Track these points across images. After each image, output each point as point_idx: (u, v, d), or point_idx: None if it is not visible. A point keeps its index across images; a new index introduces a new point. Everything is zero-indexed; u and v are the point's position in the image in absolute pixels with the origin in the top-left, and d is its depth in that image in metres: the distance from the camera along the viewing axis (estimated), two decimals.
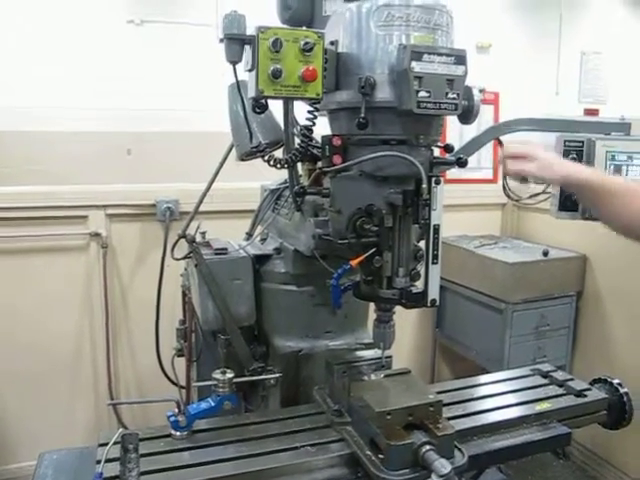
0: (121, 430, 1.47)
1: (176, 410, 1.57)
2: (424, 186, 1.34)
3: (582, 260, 3.59)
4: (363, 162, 1.38)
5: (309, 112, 1.30)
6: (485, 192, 4.02)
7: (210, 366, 2.04)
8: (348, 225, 1.42)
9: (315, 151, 1.50)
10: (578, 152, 1.85)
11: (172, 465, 1.43)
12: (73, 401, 3.33)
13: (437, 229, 1.38)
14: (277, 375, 1.83)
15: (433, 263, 1.40)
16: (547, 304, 3.48)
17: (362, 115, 1.32)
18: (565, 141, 1.87)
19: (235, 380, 1.65)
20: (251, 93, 1.21)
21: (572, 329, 3.63)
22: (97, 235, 3.23)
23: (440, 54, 1.28)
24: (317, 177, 1.52)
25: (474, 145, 1.95)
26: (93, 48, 3.88)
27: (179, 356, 2.63)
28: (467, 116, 1.39)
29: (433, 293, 1.42)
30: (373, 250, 1.42)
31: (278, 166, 1.32)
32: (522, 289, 3.37)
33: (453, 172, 3.99)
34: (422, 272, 1.46)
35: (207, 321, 1.95)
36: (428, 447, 1.36)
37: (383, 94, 1.33)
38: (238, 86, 1.23)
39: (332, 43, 1.39)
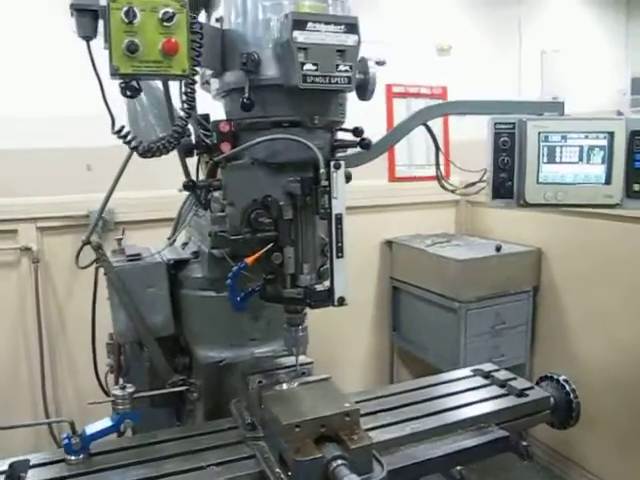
0: None
1: (71, 432, 1.42)
2: (322, 171, 1.21)
3: (537, 254, 3.50)
4: (255, 149, 1.25)
5: (184, 94, 1.16)
6: (437, 189, 3.91)
7: (140, 380, 1.91)
8: (243, 219, 1.28)
9: (209, 140, 1.36)
10: (509, 134, 1.74)
11: None
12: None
13: (340, 219, 1.25)
14: (182, 388, 1.69)
15: (338, 257, 1.26)
16: (502, 301, 3.38)
17: (246, 95, 1.19)
18: (495, 123, 1.75)
19: (136, 395, 1.50)
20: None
21: (530, 325, 3.53)
22: (28, 249, 3.06)
23: (327, 22, 1.16)
24: (213, 169, 1.38)
25: (401, 130, 1.83)
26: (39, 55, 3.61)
27: (112, 372, 2.48)
28: (362, 91, 1.26)
29: (340, 290, 1.29)
30: (270, 246, 1.28)
31: (149, 155, 1.18)
32: (475, 287, 3.27)
33: (403, 170, 3.94)
34: None
35: (121, 333, 1.81)
36: (340, 462, 1.24)
37: (269, 71, 1.21)
38: (94, 65, 1.08)
39: (218, 20, 1.27)
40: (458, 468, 2.99)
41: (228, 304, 1.74)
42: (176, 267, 1.82)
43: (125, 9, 1.02)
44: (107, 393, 2.77)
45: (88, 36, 1.07)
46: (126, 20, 1.02)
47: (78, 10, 1.04)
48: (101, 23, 1.06)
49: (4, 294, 3.09)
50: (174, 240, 2.08)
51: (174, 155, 1.45)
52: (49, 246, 3.15)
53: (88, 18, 1.05)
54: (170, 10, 1.05)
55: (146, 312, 1.76)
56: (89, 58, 1.08)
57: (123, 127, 1.15)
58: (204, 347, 1.77)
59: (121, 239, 2.06)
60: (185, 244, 2.01)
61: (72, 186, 3.11)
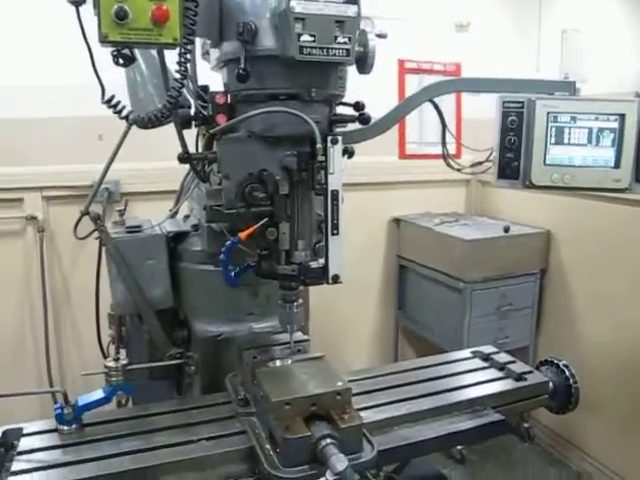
0: None
1: (64, 402, 1.43)
2: (318, 146, 1.19)
3: (546, 236, 3.45)
4: (251, 121, 1.23)
5: (177, 63, 1.14)
6: (449, 168, 3.87)
7: (139, 352, 1.91)
8: (237, 193, 1.26)
9: (206, 112, 1.33)
10: (518, 113, 1.69)
11: (47, 463, 1.30)
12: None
13: (336, 195, 1.22)
14: (178, 361, 1.69)
15: (333, 234, 1.24)
16: (509, 282, 3.35)
17: (242, 66, 1.16)
18: (504, 102, 1.71)
19: (130, 367, 1.50)
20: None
21: (536, 308, 3.50)
22: (33, 219, 3.07)
23: None
24: (209, 141, 1.36)
25: (407, 107, 1.78)
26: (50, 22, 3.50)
27: (113, 343, 2.49)
28: (362, 64, 1.23)
29: (335, 268, 1.26)
30: (264, 221, 1.26)
31: (140, 125, 1.16)
32: (481, 267, 3.24)
33: (414, 147, 3.89)
34: None
35: (119, 304, 1.82)
36: (329, 440, 1.23)
37: (266, 42, 1.18)
38: (83, 32, 1.06)
39: None
40: (459, 448, 3.01)
41: None
42: (176, 240, 1.81)
43: None
44: None
45: (77, 1, 1.04)
46: None
47: None
48: None
49: (10, 262, 3.11)
50: (176, 212, 2.06)
51: None
52: (55, 216, 3.15)
53: None
54: None
55: (145, 284, 1.76)
56: (78, 24, 1.05)
57: (113, 97, 1.12)
58: (202, 321, 1.76)
59: (122, 210, 2.04)
60: (187, 216, 1.99)
61: (83, 156, 3.08)
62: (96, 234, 1.84)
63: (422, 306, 3.74)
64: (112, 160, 1.81)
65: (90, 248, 3.21)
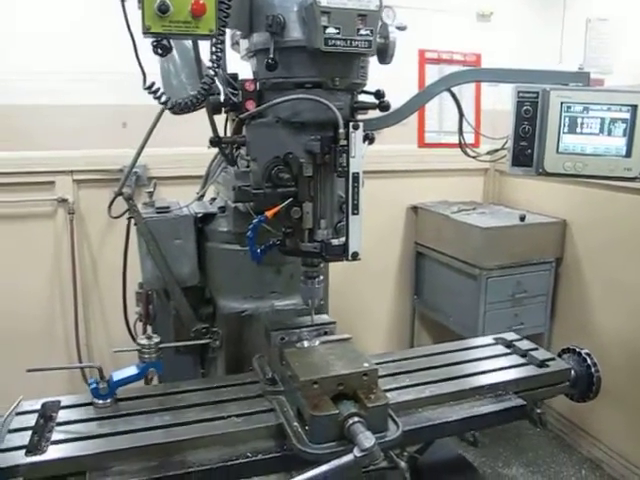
0: (21, 397, 1.44)
1: (98, 377, 1.50)
2: (341, 131, 1.27)
3: (561, 225, 3.49)
4: (279, 108, 1.31)
5: (211, 52, 1.22)
6: (467, 157, 3.91)
7: (165, 328, 2.00)
8: (264, 174, 1.35)
9: (235, 99, 1.42)
10: (532, 103, 1.75)
11: (84, 434, 1.37)
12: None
13: (356, 177, 1.30)
14: (206, 341, 1.79)
15: (353, 214, 1.32)
16: (524, 270, 3.39)
17: (271, 56, 1.25)
18: (519, 92, 1.77)
19: (161, 345, 1.58)
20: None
21: (551, 296, 3.54)
22: (64, 201, 3.18)
23: None
24: (238, 126, 1.44)
25: (425, 96, 1.85)
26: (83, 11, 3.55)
27: (141, 320, 2.58)
28: (382, 55, 1.30)
29: (354, 245, 1.34)
30: (289, 200, 1.35)
31: (177, 110, 1.25)
32: (497, 255, 3.29)
33: (433, 136, 3.93)
34: None
35: (148, 281, 1.91)
36: (356, 419, 1.28)
37: (294, 33, 1.26)
38: (128, 24, 1.15)
39: None
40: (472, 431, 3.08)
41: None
42: (203, 220, 1.89)
43: None
44: (135, 340, 2.90)
45: None
46: None
47: None
48: None
49: (42, 243, 3.22)
50: (203, 195, 2.15)
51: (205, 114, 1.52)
52: (84, 198, 3.26)
53: None
54: None
55: (173, 262, 1.84)
56: (123, 18, 1.14)
57: (154, 83, 1.22)
58: (227, 298, 1.85)
59: (152, 192, 2.14)
60: (213, 199, 2.07)
61: (109, 141, 3.18)
62: (127, 214, 1.93)
63: (438, 292, 3.80)
64: (144, 144, 1.90)
65: (117, 230, 3.31)
